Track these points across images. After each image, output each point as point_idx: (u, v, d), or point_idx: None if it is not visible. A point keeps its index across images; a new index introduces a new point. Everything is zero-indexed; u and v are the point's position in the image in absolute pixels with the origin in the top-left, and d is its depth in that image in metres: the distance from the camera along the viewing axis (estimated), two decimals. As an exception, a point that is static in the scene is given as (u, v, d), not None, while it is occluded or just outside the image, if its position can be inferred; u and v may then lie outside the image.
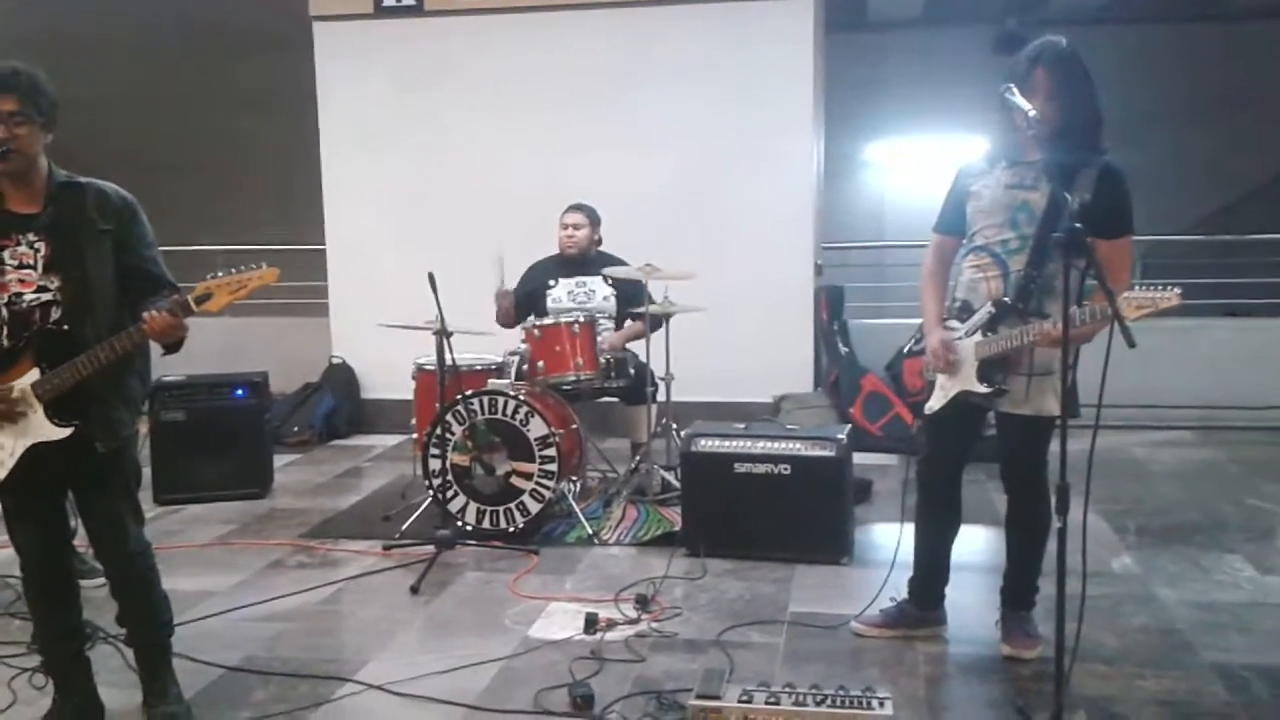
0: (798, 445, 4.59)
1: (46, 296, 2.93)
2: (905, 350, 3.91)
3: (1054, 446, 3.24)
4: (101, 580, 3.78)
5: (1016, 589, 3.72)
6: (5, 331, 2.93)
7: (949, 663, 3.61)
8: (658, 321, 5.52)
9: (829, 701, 3.07)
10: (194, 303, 2.91)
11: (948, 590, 3.84)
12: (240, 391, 5.90)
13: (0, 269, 2.91)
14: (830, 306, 7.48)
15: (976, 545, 4.57)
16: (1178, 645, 3.73)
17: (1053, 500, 2.95)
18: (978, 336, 3.47)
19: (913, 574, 3.84)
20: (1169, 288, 3.03)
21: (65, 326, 2.93)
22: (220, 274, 2.95)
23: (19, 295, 2.92)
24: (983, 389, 3.47)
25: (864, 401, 6.97)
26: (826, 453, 4.55)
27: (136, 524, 3.17)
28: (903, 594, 3.85)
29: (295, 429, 7.29)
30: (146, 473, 5.40)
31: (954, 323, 3.56)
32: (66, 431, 2.93)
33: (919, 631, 3.78)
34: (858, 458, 4.99)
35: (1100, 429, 2.95)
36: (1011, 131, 3.34)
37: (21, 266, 2.93)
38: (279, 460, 6.40)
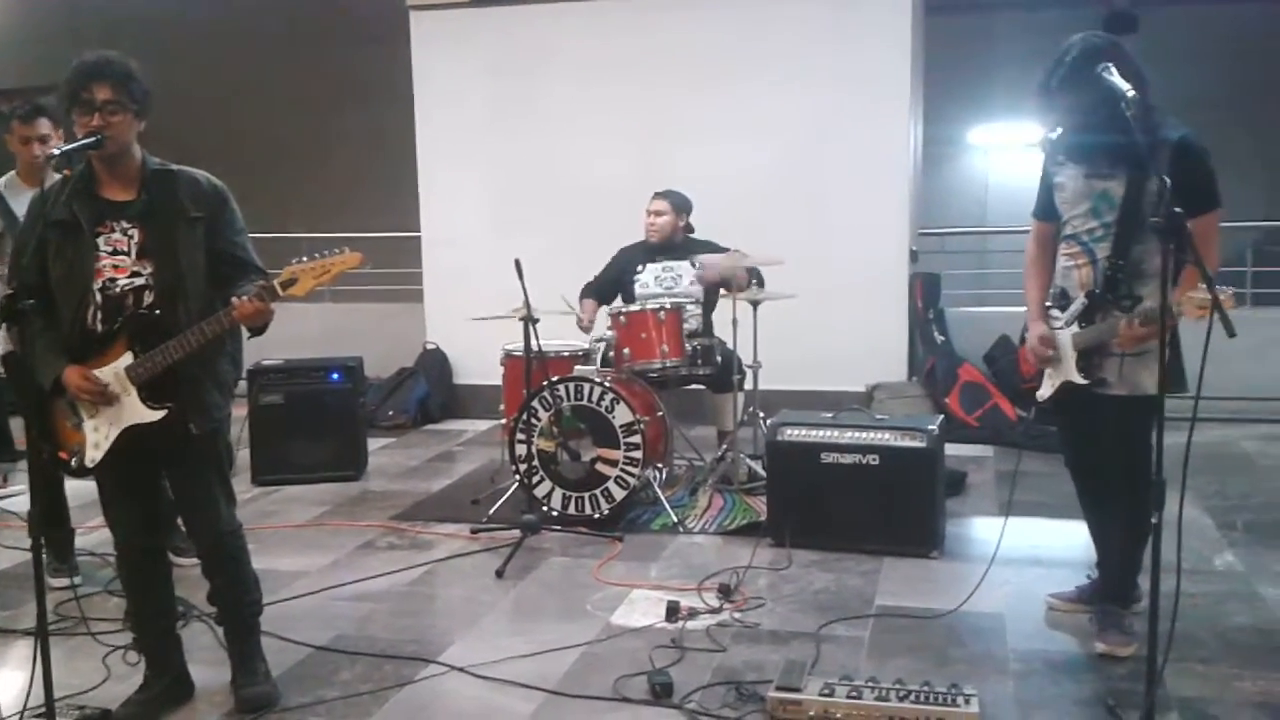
0: (887, 435, 4.49)
1: (139, 282, 3.00)
2: (1020, 339, 3.83)
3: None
4: (196, 559, 3.89)
5: (1112, 584, 3.61)
6: (99, 316, 2.99)
7: (1039, 659, 3.50)
8: (755, 276, 5.45)
9: (913, 697, 3.01)
10: (280, 287, 2.95)
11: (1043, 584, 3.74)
12: (336, 375, 6.01)
13: (95, 255, 2.98)
14: (926, 294, 7.31)
15: (1075, 538, 4.43)
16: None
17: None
18: (1075, 328, 3.46)
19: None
20: (1226, 289, 2.89)
21: (158, 311, 2.99)
22: (305, 259, 2.98)
23: (113, 281, 2.99)
24: (1081, 380, 3.44)
25: (960, 391, 6.80)
26: (917, 443, 4.44)
27: (228, 504, 3.25)
28: (1095, 572, 3.79)
29: (390, 413, 7.41)
30: (245, 454, 5.62)
31: (1055, 311, 3.55)
32: (160, 413, 3.00)
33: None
34: (953, 449, 4.89)
35: (1208, 421, 2.83)
36: (1092, 113, 3.28)
37: (115, 253, 2.99)
38: (374, 443, 6.52)
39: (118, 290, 2.99)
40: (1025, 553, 4.42)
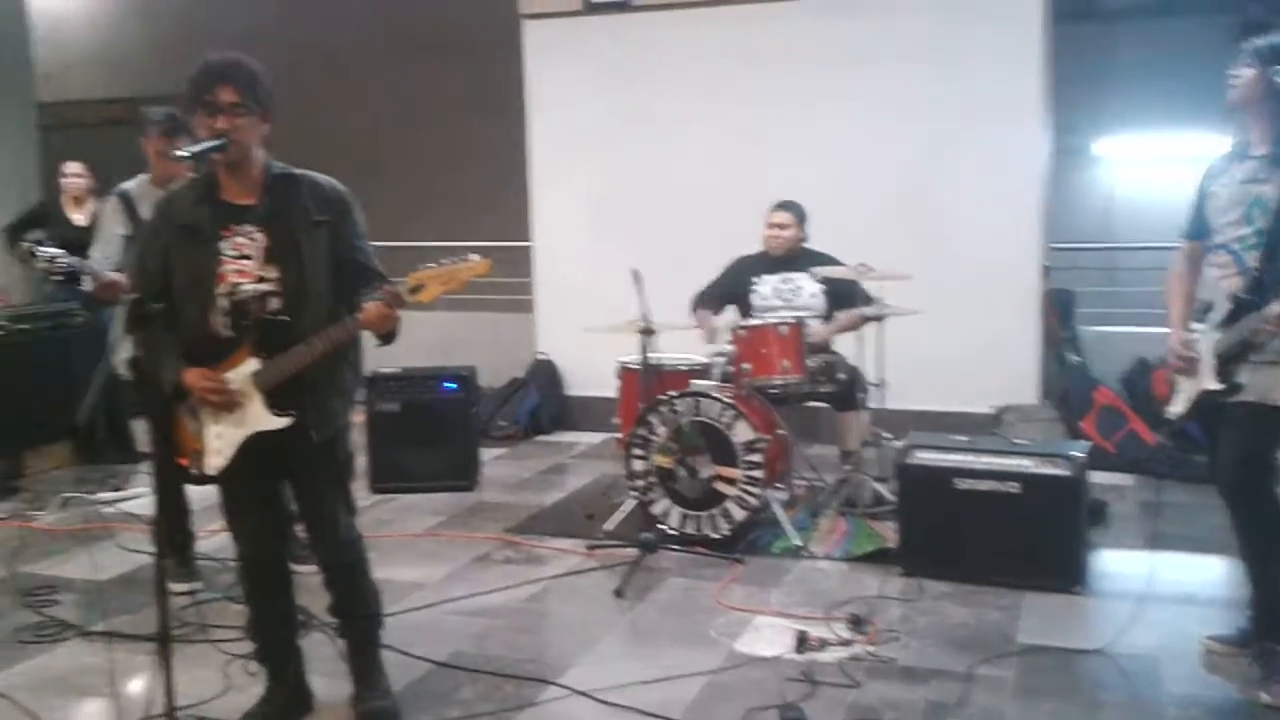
0: (1029, 462, 4.25)
1: (265, 287, 2.94)
2: (1151, 361, 3.67)
3: None
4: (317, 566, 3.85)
5: (1268, 620, 3.38)
6: (225, 322, 2.94)
7: (1199, 707, 3.26)
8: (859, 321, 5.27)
9: (1067, 747, 2.81)
10: (407, 293, 2.89)
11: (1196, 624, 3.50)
12: (450, 385, 5.97)
13: (218, 259, 2.93)
14: (1059, 312, 7.00)
15: (1228, 575, 4.14)
16: None
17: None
18: (1216, 334, 3.34)
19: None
20: None
21: (284, 317, 2.94)
22: (432, 265, 2.92)
23: (238, 285, 2.94)
24: (1218, 385, 3.32)
25: (1097, 415, 6.47)
26: (1062, 471, 4.19)
27: (348, 514, 3.19)
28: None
29: (501, 423, 7.36)
30: (362, 461, 5.60)
31: (1196, 324, 3.44)
32: (285, 421, 2.94)
33: None
34: (1091, 476, 4.62)
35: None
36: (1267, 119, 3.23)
37: (240, 257, 2.94)
38: (486, 454, 6.47)
39: (243, 295, 2.94)
40: (1175, 589, 4.15)
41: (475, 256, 2.94)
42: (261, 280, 2.94)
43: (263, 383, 2.93)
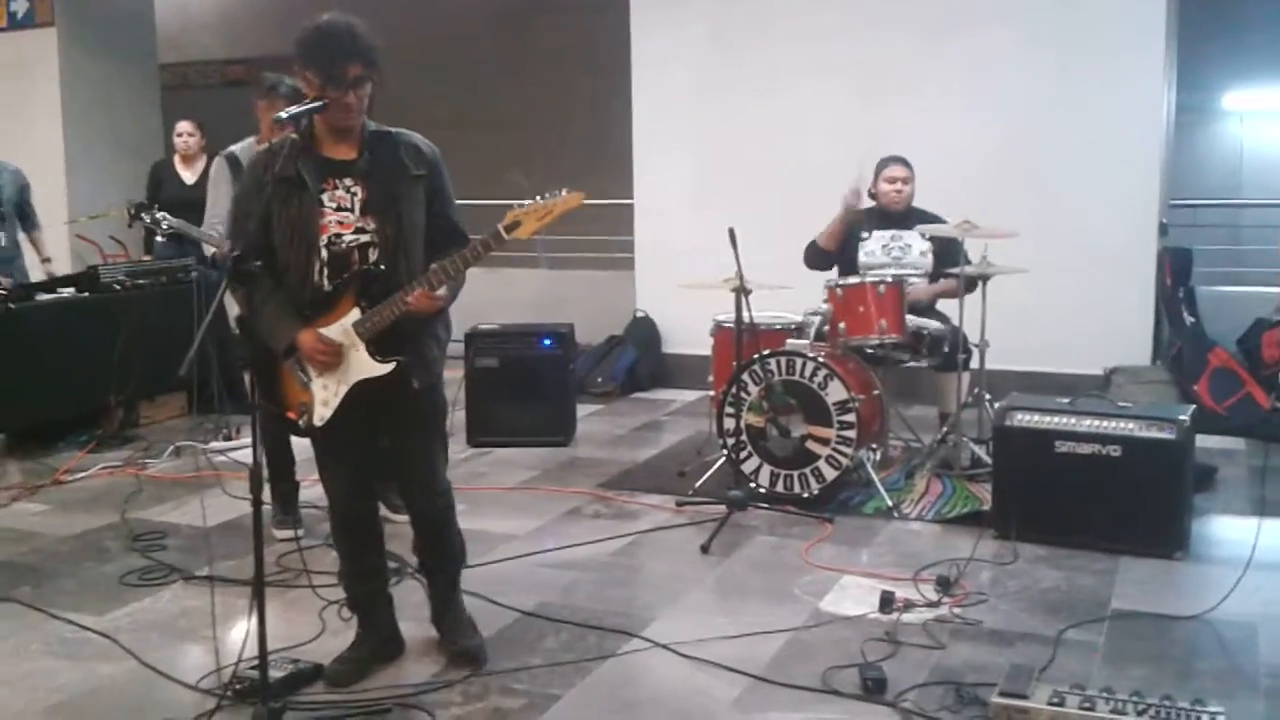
0: (1131, 425, 4.11)
1: (365, 238, 3.02)
2: (1266, 320, 3.42)
3: None
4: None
5: None
6: (325, 272, 3.02)
7: (1298, 677, 3.13)
8: (973, 283, 5.13)
9: (1151, 712, 2.73)
10: (504, 231, 2.96)
11: None
12: (547, 341, 6.03)
13: (319, 211, 3.01)
14: (1175, 271, 6.71)
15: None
16: None
17: None
18: None
19: None
20: None
21: (383, 266, 3.02)
22: (527, 202, 2.96)
23: (338, 236, 3.02)
24: None
25: (1210, 377, 6.22)
26: (1165, 435, 4.05)
27: (442, 464, 3.28)
28: None
29: (599, 380, 7.42)
30: (460, 415, 5.72)
31: None
32: (389, 367, 3.02)
33: None
34: (1201, 440, 4.45)
35: None
36: None
37: (339, 209, 3.02)
38: (582, 410, 6.54)
39: (343, 246, 3.02)
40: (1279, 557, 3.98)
41: (566, 191, 2.97)
42: (361, 232, 3.02)
43: (365, 331, 3.01)
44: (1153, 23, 6.41)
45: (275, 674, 2.98)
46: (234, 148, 4.59)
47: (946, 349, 5.15)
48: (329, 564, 3.96)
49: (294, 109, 2.94)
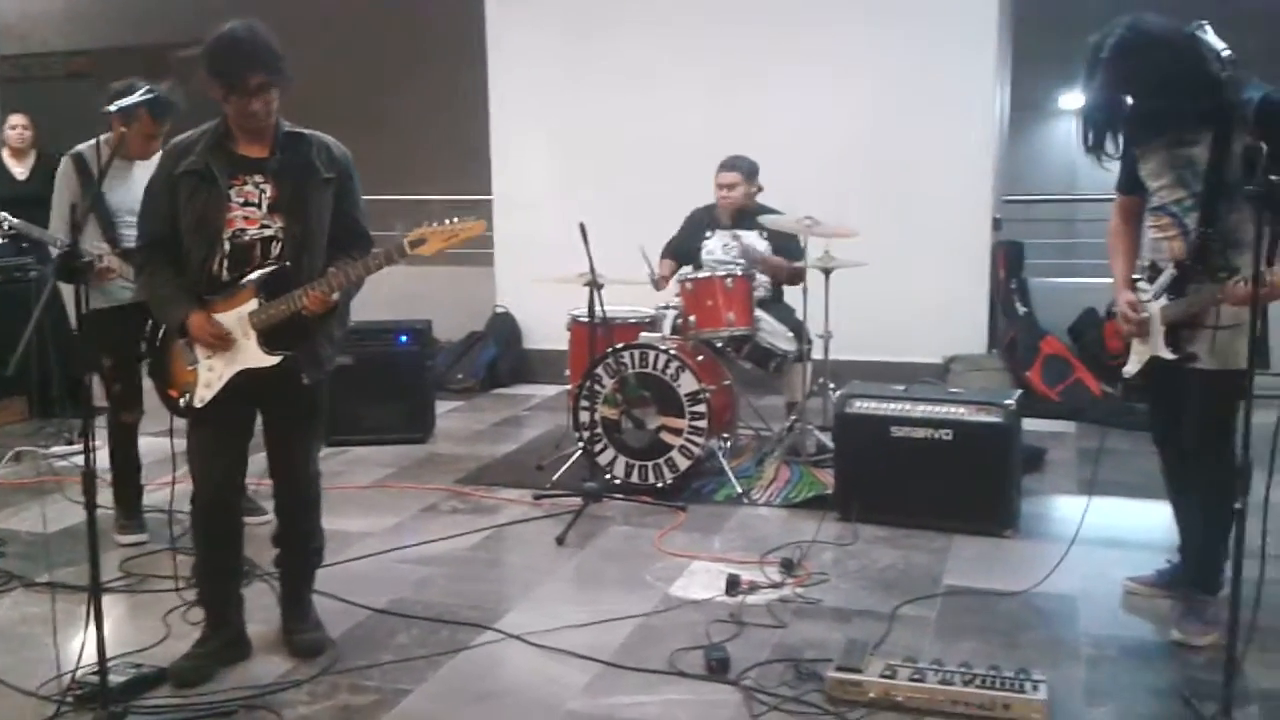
0: (961, 410, 4.34)
1: (268, 233, 3.11)
2: (1106, 312, 3.65)
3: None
4: (265, 518, 3.92)
5: (1195, 570, 3.45)
6: (226, 264, 3.10)
7: (1113, 645, 3.35)
8: (798, 276, 5.31)
9: (979, 681, 2.91)
10: (409, 246, 3.07)
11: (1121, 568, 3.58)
12: (404, 338, 6.01)
13: (226, 205, 3.08)
14: (1008, 263, 7.06)
15: (1157, 520, 4.24)
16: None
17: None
18: (1163, 300, 3.30)
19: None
20: None
21: (287, 263, 3.11)
22: (436, 223, 3.09)
23: (242, 231, 3.10)
24: (1170, 355, 3.29)
25: (1043, 364, 6.58)
26: (993, 418, 4.29)
27: (318, 452, 3.40)
28: (1177, 556, 3.64)
29: (459, 376, 7.41)
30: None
31: (1144, 284, 3.39)
32: (275, 359, 3.12)
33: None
34: (1033, 424, 4.72)
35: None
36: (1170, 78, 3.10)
37: (247, 204, 3.10)
38: (442, 406, 6.52)
39: (246, 239, 3.11)
40: (1103, 533, 4.21)
41: (473, 218, 3.12)
42: (265, 227, 3.11)
43: (259, 322, 3.10)
44: (985, 22, 6.70)
45: (117, 678, 2.94)
46: (80, 147, 4.40)
47: (773, 366, 5.29)
48: (174, 569, 3.90)
49: (122, 101, 2.98)
